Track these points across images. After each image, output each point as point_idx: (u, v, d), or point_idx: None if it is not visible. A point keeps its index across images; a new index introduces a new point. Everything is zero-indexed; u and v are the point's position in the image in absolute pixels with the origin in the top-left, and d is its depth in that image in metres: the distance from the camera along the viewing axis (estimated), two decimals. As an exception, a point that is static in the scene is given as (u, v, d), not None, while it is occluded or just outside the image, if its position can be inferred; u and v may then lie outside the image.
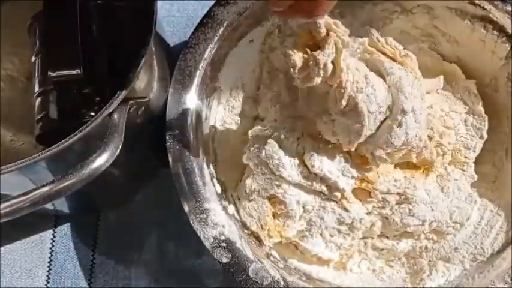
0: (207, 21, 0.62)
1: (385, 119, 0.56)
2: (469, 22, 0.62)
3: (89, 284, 0.64)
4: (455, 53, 0.66)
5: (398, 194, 0.59)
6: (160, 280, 0.64)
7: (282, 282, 0.55)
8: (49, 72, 0.56)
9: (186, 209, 0.56)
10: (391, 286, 0.59)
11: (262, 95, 0.65)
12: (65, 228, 0.66)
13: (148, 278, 0.64)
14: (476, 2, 0.61)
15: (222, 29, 0.62)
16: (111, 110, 0.50)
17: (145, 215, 0.66)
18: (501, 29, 0.61)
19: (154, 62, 0.59)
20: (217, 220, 0.56)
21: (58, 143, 0.48)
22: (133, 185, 0.67)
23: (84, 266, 0.65)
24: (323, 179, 0.57)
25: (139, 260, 0.65)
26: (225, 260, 0.55)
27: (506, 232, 0.59)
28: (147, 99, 0.55)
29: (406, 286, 0.59)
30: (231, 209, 0.59)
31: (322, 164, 0.57)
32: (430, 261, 0.60)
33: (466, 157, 0.62)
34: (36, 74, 0.60)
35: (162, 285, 0.64)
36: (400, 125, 0.55)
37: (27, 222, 0.64)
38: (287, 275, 0.56)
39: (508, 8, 0.61)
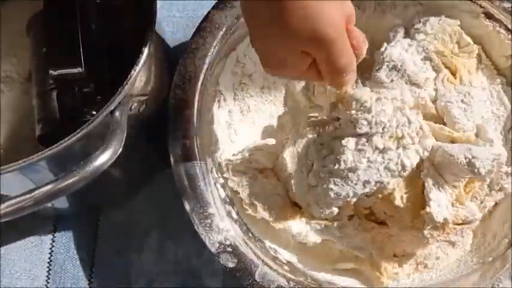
0: (205, 26, 0.62)
1: None
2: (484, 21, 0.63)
3: (88, 284, 0.64)
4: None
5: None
6: (160, 280, 0.64)
7: (288, 286, 0.55)
8: (50, 71, 0.56)
9: (187, 207, 0.57)
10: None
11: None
12: (65, 228, 0.66)
13: (148, 278, 0.64)
14: (477, 1, 0.63)
15: (220, 33, 0.62)
16: (112, 108, 0.50)
17: (146, 215, 0.66)
18: (506, 27, 0.62)
19: (154, 61, 0.59)
20: (222, 225, 0.56)
21: (59, 143, 0.48)
22: (134, 184, 0.67)
23: (84, 266, 0.65)
24: None
25: (139, 260, 0.65)
26: (231, 265, 0.55)
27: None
28: (147, 97, 0.55)
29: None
30: (235, 213, 0.59)
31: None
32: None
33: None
34: (36, 74, 0.61)
35: (162, 285, 0.64)
36: None
37: (27, 223, 0.64)
38: (293, 278, 0.56)
39: (506, 5, 0.62)
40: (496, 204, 0.61)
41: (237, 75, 0.65)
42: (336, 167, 0.53)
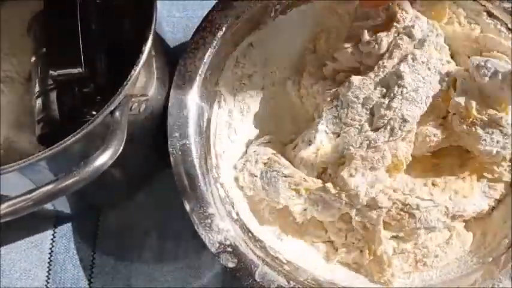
0: (205, 26, 0.62)
1: None
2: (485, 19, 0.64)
3: (89, 284, 0.64)
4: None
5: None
6: (161, 280, 0.64)
7: (288, 286, 0.55)
8: (51, 71, 0.56)
9: (187, 207, 0.57)
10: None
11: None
12: (65, 229, 0.66)
13: (149, 278, 0.64)
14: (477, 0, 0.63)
15: (220, 33, 0.62)
16: (112, 108, 0.50)
17: (146, 215, 0.66)
18: (507, 27, 0.62)
19: (154, 61, 0.59)
20: (222, 225, 0.57)
21: (59, 143, 0.48)
22: (134, 184, 0.67)
23: (84, 266, 0.65)
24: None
25: (139, 260, 0.65)
26: (231, 265, 0.55)
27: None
28: (147, 97, 0.55)
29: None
30: (235, 213, 0.60)
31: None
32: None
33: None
34: (36, 74, 0.61)
35: (162, 285, 0.64)
36: None
37: (27, 223, 0.64)
38: (293, 278, 0.56)
39: (506, 5, 0.62)
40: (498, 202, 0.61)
41: (237, 75, 0.65)
42: (405, 91, 0.58)
